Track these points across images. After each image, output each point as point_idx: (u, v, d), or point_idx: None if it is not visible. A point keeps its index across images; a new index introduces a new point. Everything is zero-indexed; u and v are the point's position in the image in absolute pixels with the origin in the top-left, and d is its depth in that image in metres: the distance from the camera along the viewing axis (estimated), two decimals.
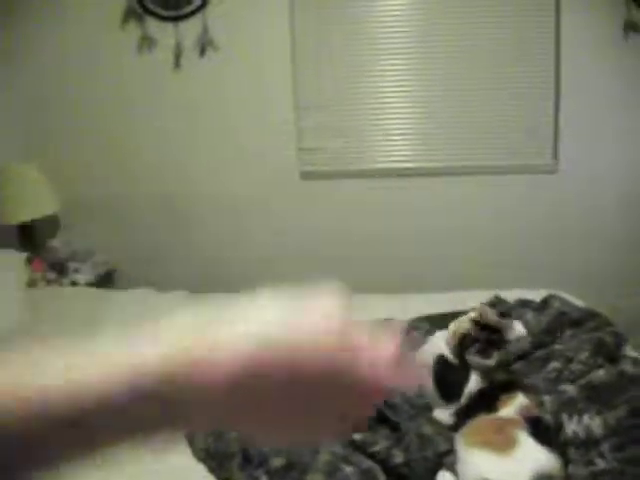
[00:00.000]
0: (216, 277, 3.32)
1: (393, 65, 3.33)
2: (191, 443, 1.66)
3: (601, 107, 3.32)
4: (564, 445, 1.54)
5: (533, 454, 1.38)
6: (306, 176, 3.42)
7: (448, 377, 1.71)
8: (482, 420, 1.51)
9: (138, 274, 3.31)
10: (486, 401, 1.60)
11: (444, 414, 1.67)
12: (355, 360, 0.45)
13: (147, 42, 3.23)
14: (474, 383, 1.66)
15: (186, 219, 3.47)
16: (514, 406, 1.55)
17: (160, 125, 3.35)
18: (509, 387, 1.65)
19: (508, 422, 1.46)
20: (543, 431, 1.47)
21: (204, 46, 3.21)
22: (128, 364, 0.43)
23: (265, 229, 3.47)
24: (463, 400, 1.64)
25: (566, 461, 1.48)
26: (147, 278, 3.13)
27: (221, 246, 3.48)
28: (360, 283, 3.15)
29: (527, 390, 1.65)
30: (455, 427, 1.59)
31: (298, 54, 3.29)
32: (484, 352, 1.67)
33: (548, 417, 1.58)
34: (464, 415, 1.60)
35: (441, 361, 1.71)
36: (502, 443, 1.38)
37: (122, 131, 3.38)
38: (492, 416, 1.53)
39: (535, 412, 1.56)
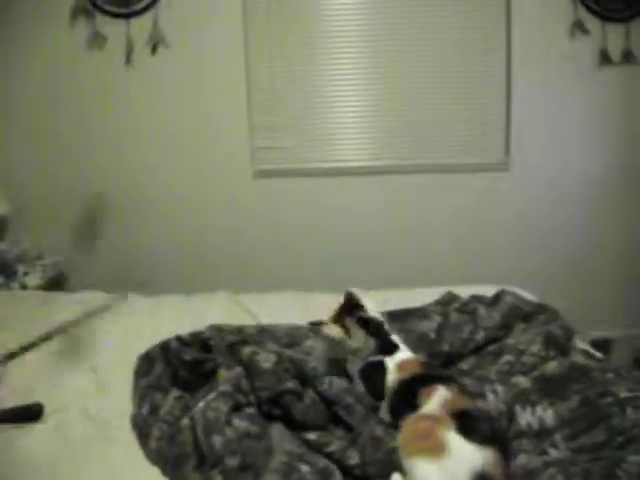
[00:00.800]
0: (170, 277, 3.29)
1: (345, 64, 3.37)
2: (144, 445, 1.63)
3: (552, 104, 3.39)
4: (517, 435, 1.55)
5: (466, 455, 1.34)
6: (259, 175, 3.40)
7: (372, 374, 1.72)
8: (409, 426, 1.47)
9: (90, 276, 3.24)
10: (406, 398, 1.56)
11: (384, 411, 1.66)
12: None
13: (98, 39, 3.17)
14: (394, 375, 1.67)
15: (138, 219, 3.41)
16: (436, 400, 1.50)
17: (111, 123, 3.31)
18: (426, 380, 1.61)
19: (434, 422, 1.42)
20: (472, 424, 1.42)
21: (155, 43, 3.17)
22: None
23: (219, 227, 3.45)
24: (386, 398, 1.64)
25: (519, 451, 1.49)
26: (101, 280, 3.06)
27: (174, 245, 3.44)
28: (312, 280, 3.19)
29: (448, 381, 1.60)
30: (394, 425, 1.58)
31: (251, 53, 3.28)
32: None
33: (477, 407, 1.57)
34: (394, 415, 1.59)
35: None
36: (433, 448, 1.35)
37: (72, 129, 3.31)
38: (416, 415, 1.48)
39: (461, 404, 1.50)
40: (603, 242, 3.60)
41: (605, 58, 3.34)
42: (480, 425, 1.45)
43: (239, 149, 3.36)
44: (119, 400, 1.85)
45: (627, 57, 3.34)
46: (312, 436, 1.55)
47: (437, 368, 1.89)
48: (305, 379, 1.66)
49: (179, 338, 1.91)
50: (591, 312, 2.79)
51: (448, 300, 2.37)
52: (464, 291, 2.47)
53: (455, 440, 1.35)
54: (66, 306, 2.59)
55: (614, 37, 3.33)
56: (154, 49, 3.18)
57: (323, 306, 2.50)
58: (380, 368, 1.71)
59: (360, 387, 1.72)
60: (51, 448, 1.62)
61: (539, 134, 3.44)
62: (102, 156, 3.35)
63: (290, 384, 1.64)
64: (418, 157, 3.46)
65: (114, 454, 1.61)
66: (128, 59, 3.20)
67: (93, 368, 2.06)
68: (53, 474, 1.51)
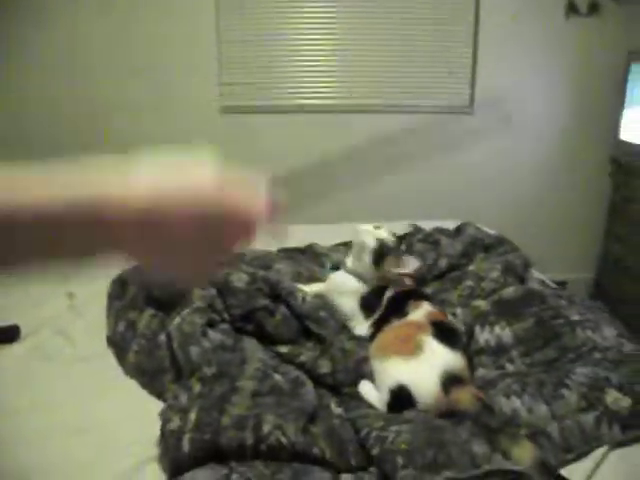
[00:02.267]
0: None
1: (315, 4, 3.34)
2: (122, 360, 1.68)
3: (519, 52, 3.48)
4: (477, 352, 1.66)
5: (440, 355, 1.48)
6: (226, 110, 3.40)
7: (370, 293, 1.80)
8: (389, 332, 1.61)
9: None
10: (397, 306, 1.70)
11: (363, 329, 1.75)
12: (229, 205, 0.56)
13: None
14: (390, 292, 1.78)
15: (102, 153, 3.37)
16: (421, 312, 1.66)
17: (76, 59, 3.22)
18: (416, 296, 1.77)
19: (415, 329, 1.55)
20: (446, 333, 1.57)
21: None
22: (66, 187, 0.52)
23: None
24: (382, 308, 1.74)
25: (478, 366, 1.61)
26: None
27: None
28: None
29: (432, 301, 1.77)
30: (371, 337, 1.68)
31: None
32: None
33: (451, 322, 1.71)
34: (380, 322, 1.69)
35: (383, 244, 1.78)
36: (410, 349, 1.48)
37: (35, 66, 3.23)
38: (402, 321, 1.63)
39: (440, 317, 1.68)
40: (560, 186, 3.73)
41: (572, 8, 3.40)
42: (453, 334, 1.61)
43: (206, 84, 3.33)
44: (94, 322, 1.90)
45: (593, 8, 3.40)
46: (284, 349, 1.62)
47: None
48: (278, 297, 1.73)
49: None
50: (545, 254, 2.91)
51: (413, 232, 2.46)
52: (427, 224, 2.57)
53: (431, 343, 1.50)
54: None
55: None
56: None
57: (289, 235, 2.58)
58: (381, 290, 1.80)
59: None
60: (29, 366, 1.67)
61: (504, 80, 3.51)
62: (65, 94, 3.29)
63: (263, 301, 1.70)
64: (383, 97, 3.50)
65: (91, 370, 1.66)
66: None
67: (70, 294, 2.09)
68: (32, 391, 1.56)
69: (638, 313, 3.15)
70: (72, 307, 2.03)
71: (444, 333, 1.56)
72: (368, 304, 1.77)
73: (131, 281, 1.96)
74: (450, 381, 1.43)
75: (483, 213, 3.02)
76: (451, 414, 1.40)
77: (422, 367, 1.45)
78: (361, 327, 1.76)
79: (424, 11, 3.38)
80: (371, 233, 1.81)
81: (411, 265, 1.78)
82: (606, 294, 3.49)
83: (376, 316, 1.73)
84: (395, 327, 1.62)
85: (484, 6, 3.36)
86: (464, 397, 1.41)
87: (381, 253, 1.77)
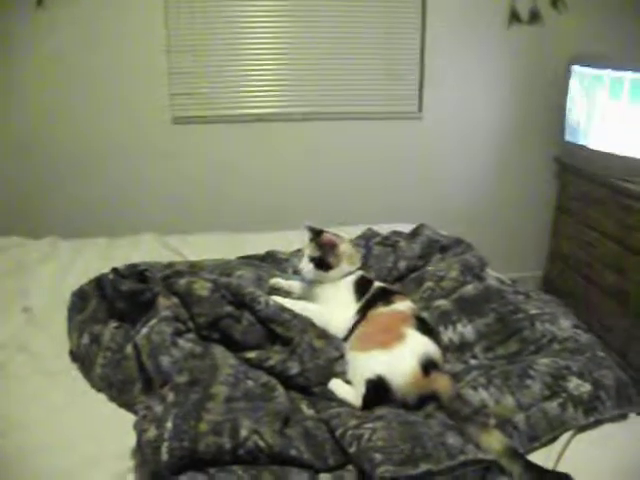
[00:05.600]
0: (90, 223, 3.25)
1: (265, 12, 3.36)
2: (88, 374, 1.66)
3: (463, 60, 3.60)
4: (442, 351, 1.70)
5: (421, 342, 1.54)
6: (178, 121, 3.39)
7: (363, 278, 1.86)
8: (372, 324, 1.64)
9: (4, 224, 3.14)
10: (383, 296, 1.74)
11: (346, 318, 1.76)
12: None
13: None
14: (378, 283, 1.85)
15: (53, 166, 3.32)
16: (406, 304, 1.72)
17: (22, 67, 3.15)
18: (397, 293, 1.83)
19: (399, 320, 1.60)
20: (427, 327, 1.63)
21: None
22: None
23: (139, 173, 3.42)
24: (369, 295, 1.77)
25: (444, 363, 1.65)
26: (15, 228, 2.97)
27: (94, 192, 3.39)
28: (233, 222, 3.24)
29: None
30: (345, 338, 1.71)
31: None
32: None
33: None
34: (366, 307, 1.73)
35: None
36: (391, 340, 1.52)
37: None
38: (388, 308, 1.68)
39: (420, 313, 1.75)
40: (508, 187, 3.84)
41: (515, 17, 3.51)
42: (432, 329, 1.68)
43: (158, 95, 3.30)
44: (55, 336, 1.86)
45: (534, 16, 3.52)
46: (251, 354, 1.63)
47: None
48: (241, 303, 1.73)
49: (115, 270, 1.93)
50: (495, 253, 2.98)
51: (369, 235, 2.49)
52: (383, 228, 2.61)
53: (414, 332, 1.56)
54: None
55: None
56: None
57: (247, 244, 2.60)
58: (368, 282, 1.84)
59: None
60: None
61: (452, 85, 3.60)
62: (13, 101, 3.22)
63: (228, 308, 1.70)
64: (334, 105, 3.53)
65: (58, 385, 1.63)
66: (40, 1, 3.04)
67: (26, 308, 2.04)
68: None
69: (586, 307, 3.28)
70: (31, 322, 1.98)
71: (425, 326, 1.62)
72: (360, 289, 1.80)
73: (92, 294, 1.94)
74: (429, 364, 1.49)
75: (432, 215, 3.08)
76: (428, 398, 1.46)
77: (403, 354, 1.50)
78: (344, 315, 1.76)
79: (372, 19, 3.43)
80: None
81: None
82: (555, 290, 3.60)
83: (363, 301, 1.75)
84: (379, 317, 1.66)
85: (430, 14, 3.44)
86: (442, 381, 1.47)
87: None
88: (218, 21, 3.30)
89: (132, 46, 3.23)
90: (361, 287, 1.81)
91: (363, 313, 1.71)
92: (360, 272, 1.88)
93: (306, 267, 1.83)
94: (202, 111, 3.42)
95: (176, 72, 3.32)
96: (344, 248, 1.85)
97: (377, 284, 1.84)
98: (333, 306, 1.79)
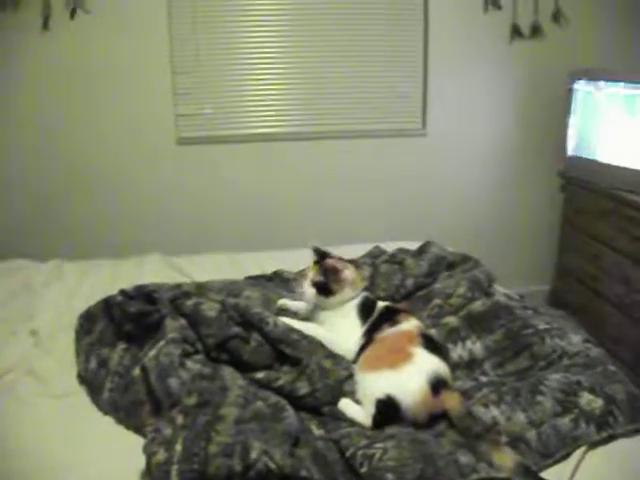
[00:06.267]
0: (93, 244, 3.27)
1: (269, 31, 3.40)
2: (95, 397, 1.65)
3: (466, 76, 3.62)
4: (452, 367, 1.69)
5: (429, 361, 1.54)
6: (183, 141, 3.40)
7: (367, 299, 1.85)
8: (380, 345, 1.63)
9: (10, 246, 3.15)
10: (389, 316, 1.73)
11: (353, 340, 1.74)
12: None
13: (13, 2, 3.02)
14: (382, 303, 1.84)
15: (58, 187, 3.34)
16: (413, 322, 1.71)
17: (27, 89, 3.18)
18: (403, 311, 1.80)
19: (406, 340, 1.59)
20: (434, 344, 1.63)
21: (74, 8, 3.07)
22: None
23: (141, 195, 3.44)
24: (373, 317, 1.76)
25: (454, 380, 1.64)
26: (20, 250, 2.98)
27: (98, 213, 3.40)
28: (239, 243, 3.24)
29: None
30: (353, 361, 1.70)
31: (174, 19, 3.24)
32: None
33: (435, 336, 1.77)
34: (372, 330, 1.71)
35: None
36: (399, 360, 1.52)
37: None
38: (394, 329, 1.67)
39: (427, 331, 1.74)
40: (513, 202, 3.84)
41: (516, 32, 3.53)
42: (440, 346, 1.68)
43: (163, 116, 3.33)
44: (62, 359, 1.86)
45: (535, 31, 3.54)
46: (260, 375, 1.62)
47: None
48: (249, 323, 1.73)
49: (123, 292, 1.93)
50: (501, 268, 2.97)
51: (376, 254, 2.49)
52: (389, 246, 2.60)
53: (421, 353, 1.55)
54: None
55: (524, 12, 3.52)
56: (73, 13, 3.07)
57: (253, 264, 2.60)
58: (373, 303, 1.83)
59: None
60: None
61: (455, 101, 3.62)
62: (17, 123, 3.24)
63: (236, 329, 1.70)
64: (338, 123, 3.55)
65: (65, 409, 1.63)
66: (46, 24, 3.07)
67: (33, 332, 2.04)
68: (5, 435, 1.52)
69: (594, 320, 3.26)
70: (37, 345, 1.98)
71: (433, 344, 1.62)
72: (365, 311, 1.79)
73: (99, 316, 1.94)
74: (439, 383, 1.48)
75: (439, 231, 3.08)
76: (439, 416, 1.45)
77: (412, 373, 1.49)
78: (352, 337, 1.75)
79: (375, 38, 3.46)
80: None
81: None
82: (563, 304, 3.59)
83: (369, 324, 1.74)
84: (387, 338, 1.65)
85: (433, 31, 3.47)
86: (452, 399, 1.46)
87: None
88: (222, 42, 3.33)
89: (137, 67, 3.26)
90: (365, 309, 1.79)
91: (369, 336, 1.70)
92: (364, 294, 1.86)
93: (307, 291, 1.81)
94: (207, 132, 3.44)
95: (181, 93, 3.35)
96: (347, 274, 1.81)
97: (381, 304, 1.83)
98: (339, 330, 1.78)
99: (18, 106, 3.22)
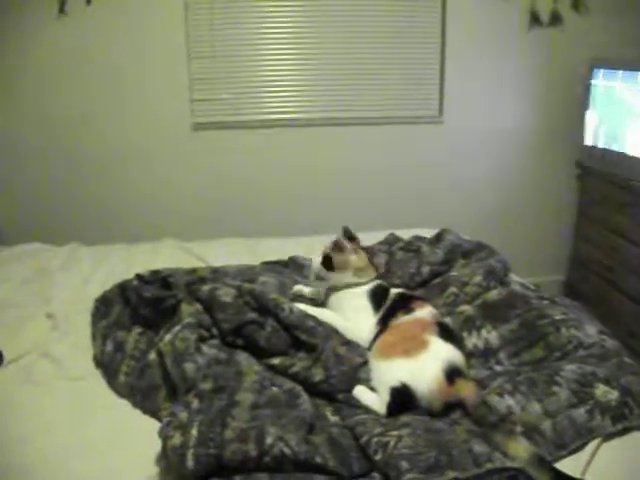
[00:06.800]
0: (108, 229, 3.28)
1: (285, 16, 3.39)
2: (111, 380, 1.67)
3: (484, 63, 3.60)
4: (467, 356, 1.69)
5: (444, 349, 1.54)
6: (198, 127, 3.40)
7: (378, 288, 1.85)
8: (394, 332, 1.64)
9: (27, 229, 3.18)
10: (403, 303, 1.74)
11: (368, 328, 1.75)
12: None
13: None
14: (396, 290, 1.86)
15: (75, 171, 3.35)
16: (427, 310, 1.71)
17: (44, 73, 3.19)
18: (417, 298, 1.82)
19: (421, 328, 1.59)
20: (449, 332, 1.64)
21: None
22: None
23: (156, 180, 3.44)
24: (387, 304, 1.77)
25: (469, 368, 1.63)
26: (37, 233, 3.01)
27: (114, 198, 3.42)
28: (253, 227, 3.25)
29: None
30: (368, 348, 1.70)
31: (191, 3, 3.24)
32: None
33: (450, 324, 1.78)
34: (386, 317, 1.72)
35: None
36: (414, 348, 1.52)
37: (3, 78, 3.19)
38: (410, 316, 1.67)
39: (442, 319, 1.75)
40: (529, 191, 3.82)
41: (535, 19, 3.49)
42: (455, 334, 1.68)
43: (178, 101, 3.33)
44: (79, 343, 1.87)
45: (555, 19, 3.50)
46: (276, 361, 1.63)
47: None
48: (265, 309, 1.73)
49: (139, 276, 1.94)
50: (516, 258, 2.96)
51: (392, 241, 2.49)
52: (405, 233, 2.60)
53: (436, 341, 1.55)
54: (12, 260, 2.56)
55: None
56: None
57: (268, 250, 2.60)
58: (385, 290, 1.85)
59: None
60: (16, 392, 1.64)
61: (472, 89, 3.59)
62: (34, 107, 3.25)
63: (252, 314, 1.70)
64: (354, 110, 3.55)
65: (81, 392, 1.64)
66: (62, 8, 3.07)
67: (50, 315, 2.06)
68: (22, 418, 1.53)
69: (608, 311, 3.24)
70: (54, 328, 2.00)
71: (448, 333, 1.62)
72: (377, 298, 1.80)
73: (115, 300, 1.95)
74: (453, 372, 1.48)
75: (454, 220, 3.06)
76: (454, 405, 1.46)
77: (427, 362, 1.49)
78: (366, 325, 1.76)
79: (393, 24, 3.45)
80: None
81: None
82: (577, 295, 3.57)
83: (383, 311, 1.75)
84: (402, 325, 1.65)
85: (450, 17, 3.44)
86: (467, 388, 1.46)
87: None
88: (238, 27, 3.33)
89: (153, 53, 3.27)
90: (377, 296, 1.80)
91: (384, 323, 1.71)
92: (377, 281, 1.87)
93: (315, 259, 1.90)
94: (222, 117, 3.44)
95: (197, 78, 3.35)
96: (351, 259, 1.85)
97: (394, 291, 1.84)
98: (350, 315, 1.79)
99: (34, 90, 3.22)
